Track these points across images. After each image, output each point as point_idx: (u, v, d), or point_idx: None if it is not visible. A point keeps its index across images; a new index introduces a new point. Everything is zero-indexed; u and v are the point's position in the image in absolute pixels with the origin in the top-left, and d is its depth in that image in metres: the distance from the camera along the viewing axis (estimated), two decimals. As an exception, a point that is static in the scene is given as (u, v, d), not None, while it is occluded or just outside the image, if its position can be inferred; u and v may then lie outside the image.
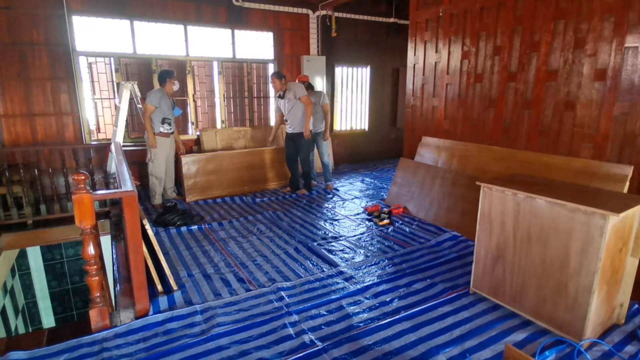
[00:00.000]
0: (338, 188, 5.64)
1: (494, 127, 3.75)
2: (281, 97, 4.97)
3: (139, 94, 4.95)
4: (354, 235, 3.83)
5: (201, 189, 5.16)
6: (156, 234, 3.85)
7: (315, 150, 5.58)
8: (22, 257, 5.66)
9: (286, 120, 5.06)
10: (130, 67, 5.56)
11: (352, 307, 2.55)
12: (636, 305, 2.50)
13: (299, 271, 3.09)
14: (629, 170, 2.68)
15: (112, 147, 4.18)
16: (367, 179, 6.24)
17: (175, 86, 4.62)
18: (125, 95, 4.74)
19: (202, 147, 5.93)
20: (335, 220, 4.31)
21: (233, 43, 6.14)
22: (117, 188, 2.52)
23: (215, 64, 6.11)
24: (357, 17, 7.08)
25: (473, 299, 2.63)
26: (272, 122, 6.70)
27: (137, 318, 2.43)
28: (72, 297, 6.24)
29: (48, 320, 6.08)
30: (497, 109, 3.69)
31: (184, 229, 4.00)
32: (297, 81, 5.31)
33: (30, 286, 5.86)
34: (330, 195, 5.27)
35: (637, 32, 2.61)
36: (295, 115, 4.91)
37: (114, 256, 3.42)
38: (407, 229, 3.95)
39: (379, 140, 8.08)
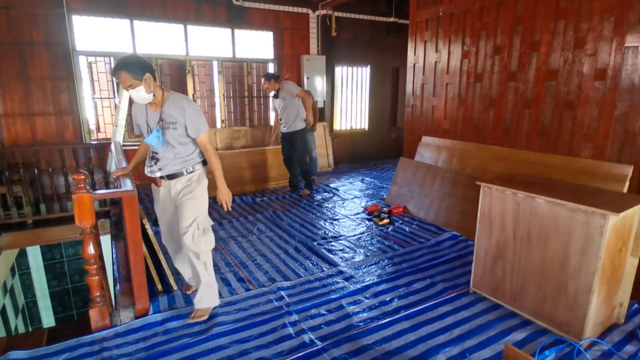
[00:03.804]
0: (338, 188, 5.64)
1: (494, 126, 3.75)
2: (275, 96, 4.98)
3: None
4: (354, 235, 3.83)
5: (201, 188, 5.15)
6: (156, 233, 3.84)
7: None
8: (22, 256, 5.66)
9: (280, 120, 5.06)
10: (130, 67, 5.56)
11: (352, 307, 2.55)
12: (636, 305, 2.50)
13: (298, 271, 3.09)
14: (629, 170, 2.68)
15: (112, 146, 4.18)
16: (367, 179, 6.24)
17: (136, 94, 2.18)
18: (125, 95, 4.73)
19: (202, 146, 5.92)
20: (335, 219, 4.30)
21: (233, 42, 6.14)
22: (117, 187, 2.52)
23: (215, 63, 6.10)
24: (357, 16, 7.08)
25: (473, 299, 2.63)
26: (272, 121, 6.71)
27: (137, 317, 2.43)
28: (72, 296, 6.24)
29: (48, 319, 6.08)
30: (497, 108, 3.69)
31: (183, 228, 3.99)
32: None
33: (30, 286, 5.86)
34: (330, 195, 5.27)
35: (637, 31, 2.61)
36: (290, 115, 4.91)
37: (114, 256, 3.42)
38: (407, 229, 3.95)
39: (379, 139, 8.08)
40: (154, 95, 2.25)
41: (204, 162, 2.43)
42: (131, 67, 2.11)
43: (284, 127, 5.01)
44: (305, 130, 5.09)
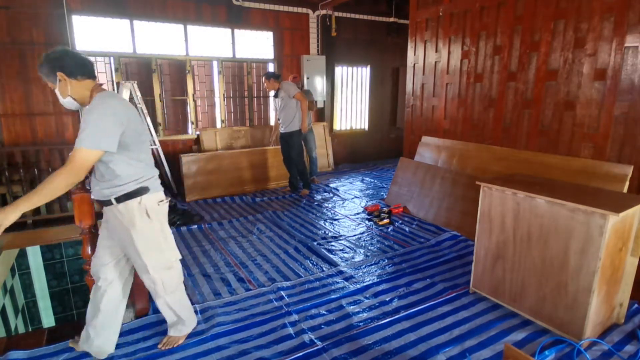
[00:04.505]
0: (338, 188, 5.64)
1: (494, 126, 3.75)
2: (276, 96, 5.00)
3: (138, 93, 4.95)
4: (354, 235, 3.83)
5: (201, 188, 5.16)
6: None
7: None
8: (22, 256, 5.65)
9: (279, 120, 5.08)
10: (130, 67, 5.56)
11: (351, 307, 2.55)
12: (636, 305, 2.50)
13: (298, 271, 3.09)
14: (629, 170, 2.68)
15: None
16: (367, 179, 6.24)
17: (59, 96, 1.79)
18: (125, 95, 4.74)
19: (201, 146, 5.93)
20: (335, 219, 4.30)
21: (233, 42, 6.14)
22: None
23: (215, 63, 6.10)
24: (357, 16, 7.08)
25: (473, 299, 2.63)
26: (272, 121, 6.71)
27: (136, 318, 2.43)
28: (72, 296, 6.24)
29: (48, 319, 6.08)
30: (497, 108, 3.68)
31: (184, 228, 4.00)
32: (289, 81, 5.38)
33: (30, 286, 5.85)
34: (330, 195, 5.27)
35: (637, 31, 2.60)
36: (287, 115, 4.92)
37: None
38: (407, 229, 3.95)
39: (378, 140, 8.08)
40: (72, 98, 1.78)
41: (145, 190, 1.85)
42: (42, 68, 1.75)
43: (282, 127, 5.02)
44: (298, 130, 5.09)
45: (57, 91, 1.78)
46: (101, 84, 1.86)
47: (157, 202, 1.93)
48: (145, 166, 1.89)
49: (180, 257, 2.10)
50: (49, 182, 1.61)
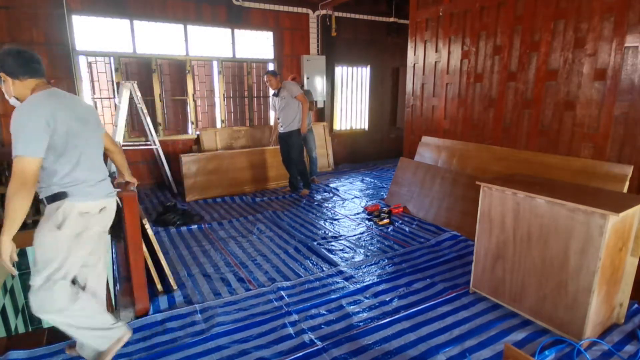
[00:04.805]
0: (338, 188, 5.64)
1: (494, 126, 3.75)
2: (276, 95, 4.98)
3: (138, 93, 4.95)
4: (354, 235, 3.83)
5: (201, 188, 5.16)
6: (156, 233, 3.85)
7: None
8: (22, 256, 5.65)
9: (278, 119, 5.06)
10: (130, 67, 5.56)
11: (351, 307, 2.55)
12: (636, 305, 2.50)
13: (298, 271, 3.09)
14: (628, 170, 2.68)
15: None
16: (367, 179, 6.24)
17: (6, 96, 1.81)
18: (125, 95, 4.74)
19: (201, 146, 5.93)
20: (335, 219, 4.30)
21: (233, 42, 6.14)
22: (117, 188, 2.52)
23: (215, 63, 6.11)
24: (357, 16, 7.08)
25: (473, 299, 2.63)
26: (272, 121, 6.71)
27: (137, 317, 2.43)
28: (72, 296, 6.23)
29: (48, 319, 6.08)
30: (497, 108, 3.69)
31: (183, 228, 4.00)
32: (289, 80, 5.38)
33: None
34: (330, 195, 5.27)
35: (637, 31, 2.61)
36: (287, 114, 4.91)
37: (114, 256, 3.42)
38: (407, 229, 3.95)
39: (379, 140, 8.08)
40: (15, 99, 1.77)
41: (64, 195, 1.74)
42: None
43: (282, 126, 5.01)
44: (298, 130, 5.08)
45: (4, 91, 1.77)
46: (49, 82, 1.81)
47: (78, 212, 1.76)
48: (79, 170, 1.77)
49: (65, 275, 1.77)
50: (8, 205, 1.57)
